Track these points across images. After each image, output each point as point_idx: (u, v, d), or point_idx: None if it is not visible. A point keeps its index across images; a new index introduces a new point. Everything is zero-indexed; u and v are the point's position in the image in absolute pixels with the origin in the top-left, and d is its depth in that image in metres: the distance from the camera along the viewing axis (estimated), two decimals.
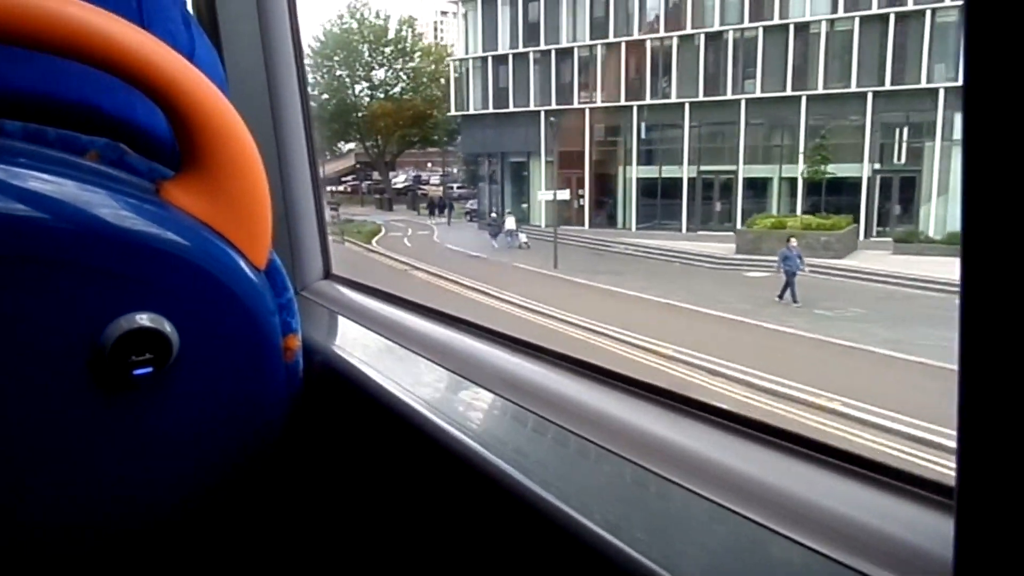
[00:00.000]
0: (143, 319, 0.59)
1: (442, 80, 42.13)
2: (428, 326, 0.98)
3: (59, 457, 0.63)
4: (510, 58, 27.53)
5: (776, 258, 16.27)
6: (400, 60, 42.66)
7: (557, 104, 26.62)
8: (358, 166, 49.06)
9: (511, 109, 27.61)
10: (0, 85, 0.62)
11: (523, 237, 24.43)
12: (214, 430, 0.70)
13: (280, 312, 0.70)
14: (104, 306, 0.58)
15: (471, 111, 29.38)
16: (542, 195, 25.04)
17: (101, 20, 0.56)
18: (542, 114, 26.48)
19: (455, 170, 52.44)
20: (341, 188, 45.69)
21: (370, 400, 0.77)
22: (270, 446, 0.75)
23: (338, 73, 42.02)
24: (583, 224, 26.53)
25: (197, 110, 0.61)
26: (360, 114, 43.59)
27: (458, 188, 41.93)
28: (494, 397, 0.74)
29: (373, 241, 26.54)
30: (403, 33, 41.83)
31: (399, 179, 46.35)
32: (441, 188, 43.49)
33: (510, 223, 24.82)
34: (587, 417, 0.65)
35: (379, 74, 42.81)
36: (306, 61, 1.36)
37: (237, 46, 1.24)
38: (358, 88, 43.05)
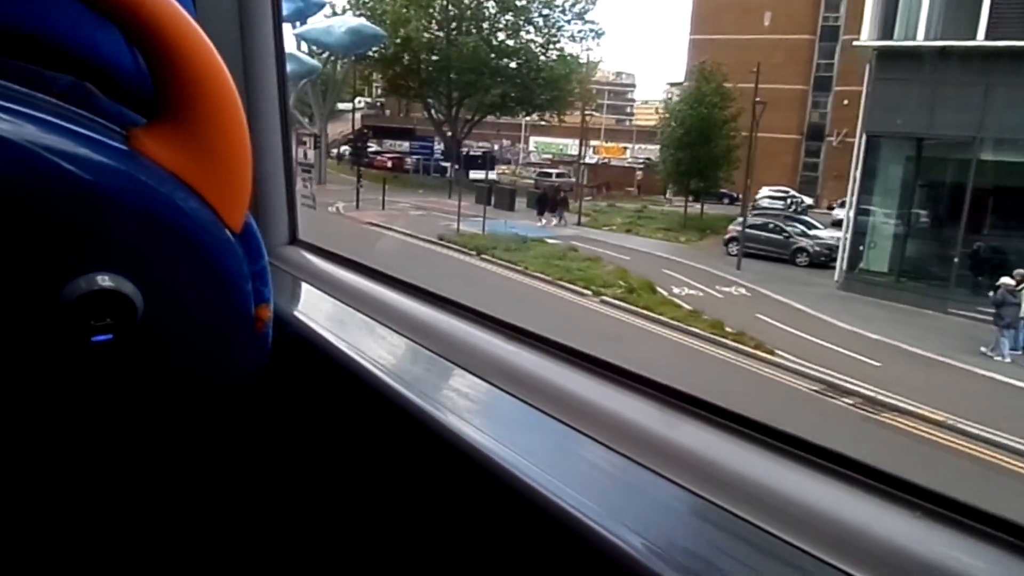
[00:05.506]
0: (105, 280, 0.53)
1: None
2: (390, 295, 1.04)
3: (13, 425, 0.60)
4: None
5: None
6: None
7: None
8: (366, 131, 33.57)
9: None
10: None
11: None
12: (177, 401, 0.67)
13: (253, 280, 0.65)
14: (62, 264, 0.52)
15: (908, 40, 13.47)
16: None
17: None
18: None
19: (496, 146, 38.71)
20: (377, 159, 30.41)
21: (338, 369, 0.82)
22: (235, 417, 0.74)
23: None
24: None
25: (177, 50, 0.55)
26: (433, 57, 28.16)
27: (556, 176, 29.83)
28: (455, 368, 0.81)
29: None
30: None
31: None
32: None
33: None
34: (533, 384, 0.73)
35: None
36: None
37: None
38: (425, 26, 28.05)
